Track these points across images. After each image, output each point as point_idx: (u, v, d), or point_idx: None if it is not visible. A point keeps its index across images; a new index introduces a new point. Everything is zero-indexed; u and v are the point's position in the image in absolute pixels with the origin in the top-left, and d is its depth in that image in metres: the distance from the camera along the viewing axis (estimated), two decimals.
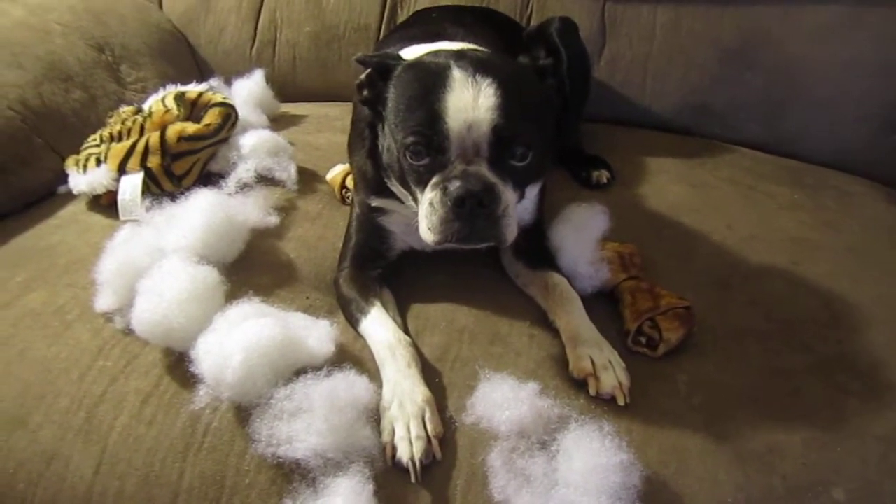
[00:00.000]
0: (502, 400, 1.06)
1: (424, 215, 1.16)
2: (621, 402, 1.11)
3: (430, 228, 1.16)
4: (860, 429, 1.12)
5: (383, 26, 2.09)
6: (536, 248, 1.35)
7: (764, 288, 1.39)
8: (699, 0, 1.93)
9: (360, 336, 1.25)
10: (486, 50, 1.36)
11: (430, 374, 1.17)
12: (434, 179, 1.16)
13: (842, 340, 1.28)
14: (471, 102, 1.13)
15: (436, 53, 1.27)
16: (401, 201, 1.32)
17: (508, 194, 1.17)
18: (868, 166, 1.88)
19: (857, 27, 1.84)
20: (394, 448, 1.05)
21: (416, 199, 1.22)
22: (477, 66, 1.17)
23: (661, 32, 1.96)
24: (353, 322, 1.27)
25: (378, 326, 1.22)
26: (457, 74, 1.15)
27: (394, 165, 1.24)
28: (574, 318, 1.23)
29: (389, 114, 1.22)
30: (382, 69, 1.25)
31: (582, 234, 1.34)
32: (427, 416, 1.08)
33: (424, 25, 1.64)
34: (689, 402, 1.14)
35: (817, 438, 1.10)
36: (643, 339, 1.22)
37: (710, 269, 1.43)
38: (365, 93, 1.27)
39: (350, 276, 1.34)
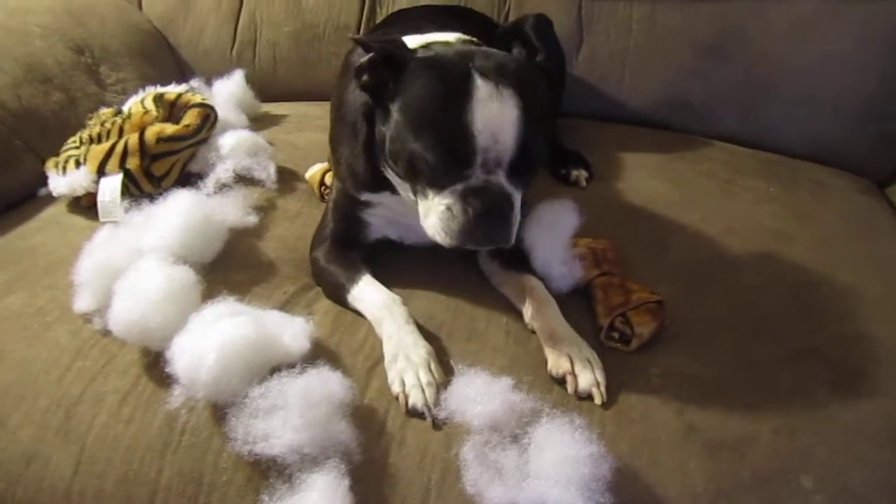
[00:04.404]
0: (475, 394, 1.07)
1: (440, 219, 1.17)
2: (598, 401, 1.13)
3: (445, 232, 1.17)
4: (830, 417, 1.14)
5: (363, 25, 2.11)
6: (510, 248, 1.36)
7: (737, 280, 1.40)
8: None
9: (344, 308, 1.29)
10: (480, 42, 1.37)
11: None
12: (454, 187, 1.16)
13: (814, 331, 1.30)
14: (497, 116, 1.12)
15: (443, 47, 1.27)
16: (391, 192, 1.33)
17: (517, 200, 1.19)
18: (844, 158, 1.91)
19: (832, 21, 1.87)
20: (407, 396, 1.11)
21: (416, 193, 1.22)
22: (497, 72, 1.15)
23: (637, 28, 1.97)
24: (338, 293, 1.31)
25: (371, 290, 1.28)
26: (480, 83, 1.13)
27: (401, 160, 1.21)
28: (551, 320, 1.24)
29: (403, 111, 1.19)
30: (390, 58, 1.21)
31: (553, 235, 1.34)
32: (432, 365, 1.15)
33: (405, 23, 1.64)
34: (661, 395, 1.15)
35: (787, 427, 1.12)
36: (616, 335, 1.23)
37: (685, 263, 1.44)
38: (365, 78, 1.23)
39: (331, 252, 1.37)
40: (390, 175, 1.30)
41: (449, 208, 1.16)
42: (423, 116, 1.17)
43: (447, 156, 1.14)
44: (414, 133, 1.17)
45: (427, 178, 1.18)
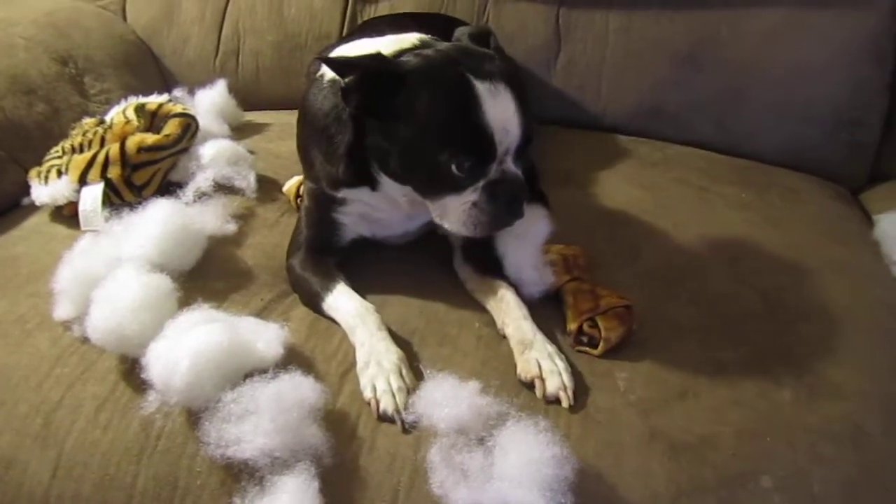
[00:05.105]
0: (443, 398, 1.10)
1: (467, 215, 1.25)
2: (565, 405, 1.16)
3: (474, 226, 1.26)
4: (791, 419, 1.17)
5: (344, 34, 2.12)
6: (484, 252, 1.39)
7: (705, 285, 1.43)
8: (650, 5, 1.98)
9: (320, 315, 1.32)
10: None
11: None
12: (476, 185, 1.24)
13: (778, 334, 1.33)
14: (503, 112, 1.21)
15: (420, 52, 1.29)
16: (371, 189, 1.36)
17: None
18: (817, 165, 1.94)
19: (803, 30, 1.91)
20: (378, 402, 1.14)
21: (427, 195, 1.29)
22: (487, 70, 1.23)
23: (613, 37, 2.01)
24: (314, 301, 1.34)
25: (345, 298, 1.32)
26: (479, 85, 1.20)
27: (419, 172, 1.27)
28: (522, 326, 1.27)
29: (417, 128, 1.23)
30: (380, 75, 1.23)
31: (525, 242, 1.37)
32: (403, 371, 1.18)
33: (371, 31, 1.65)
34: (627, 398, 1.18)
35: (749, 429, 1.14)
36: (585, 339, 1.26)
37: (655, 269, 1.47)
38: (355, 99, 1.25)
39: (307, 260, 1.41)
40: (386, 181, 1.33)
41: (475, 205, 1.24)
42: (442, 130, 1.23)
43: (474, 162, 1.22)
44: (435, 147, 1.22)
45: (449, 183, 1.24)
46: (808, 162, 1.94)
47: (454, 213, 1.27)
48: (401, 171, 1.29)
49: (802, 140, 1.94)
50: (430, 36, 1.41)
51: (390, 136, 1.27)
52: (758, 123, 1.96)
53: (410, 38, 1.37)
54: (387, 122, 1.26)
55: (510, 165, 1.25)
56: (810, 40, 1.90)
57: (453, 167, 1.22)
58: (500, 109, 1.21)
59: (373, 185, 1.36)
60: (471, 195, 1.24)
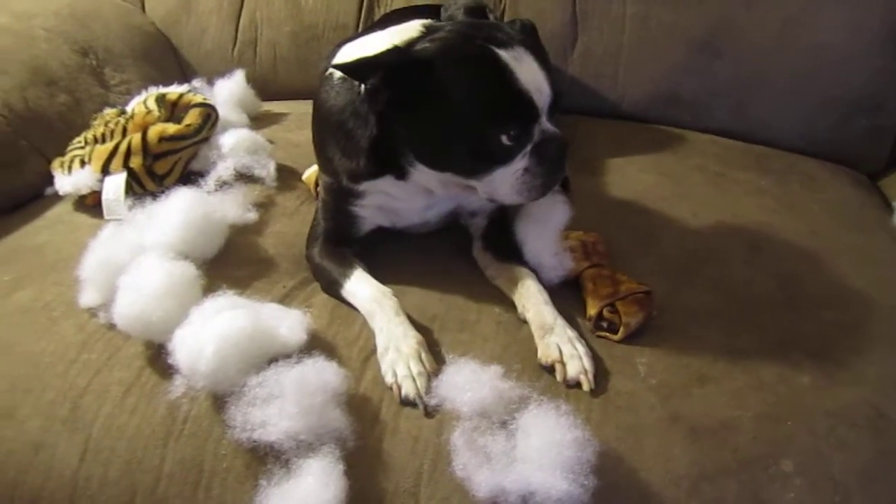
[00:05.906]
0: (465, 382, 1.11)
1: (521, 183, 1.27)
2: (586, 388, 1.17)
3: (529, 191, 1.28)
4: (811, 404, 1.17)
5: (360, 24, 2.14)
6: (504, 239, 1.41)
7: (724, 272, 1.43)
8: None
9: (341, 302, 1.34)
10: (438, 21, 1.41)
11: None
12: (524, 150, 1.25)
13: (797, 320, 1.33)
14: (530, 72, 1.23)
15: (432, 37, 1.27)
16: (395, 177, 1.35)
17: None
18: (836, 151, 1.93)
19: (823, 15, 1.89)
20: (399, 387, 1.15)
21: (473, 175, 1.28)
22: (503, 37, 1.24)
23: (630, 24, 2.00)
24: (333, 288, 1.35)
25: (363, 284, 1.33)
26: (502, 52, 1.22)
27: (465, 154, 1.26)
28: (542, 311, 1.28)
29: (456, 110, 1.23)
30: (404, 68, 1.21)
31: (544, 228, 1.38)
32: (423, 355, 1.19)
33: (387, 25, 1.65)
34: (647, 383, 1.19)
35: (769, 414, 1.15)
36: (604, 324, 1.27)
37: (673, 255, 1.47)
38: (382, 97, 1.23)
39: (325, 248, 1.42)
40: (421, 170, 1.31)
41: (526, 170, 1.26)
42: (484, 106, 1.23)
43: (520, 128, 1.24)
44: (480, 124, 1.23)
45: (498, 156, 1.25)
46: (827, 148, 1.93)
47: (505, 185, 1.28)
48: (442, 158, 1.29)
49: (821, 126, 1.93)
50: (429, 20, 1.38)
51: (424, 126, 1.26)
52: (776, 110, 1.95)
53: (414, 26, 1.34)
54: (417, 113, 1.25)
55: (547, 124, 1.27)
56: (829, 26, 1.89)
57: (503, 138, 1.23)
58: (527, 71, 1.22)
59: (398, 174, 1.34)
60: (520, 162, 1.25)
